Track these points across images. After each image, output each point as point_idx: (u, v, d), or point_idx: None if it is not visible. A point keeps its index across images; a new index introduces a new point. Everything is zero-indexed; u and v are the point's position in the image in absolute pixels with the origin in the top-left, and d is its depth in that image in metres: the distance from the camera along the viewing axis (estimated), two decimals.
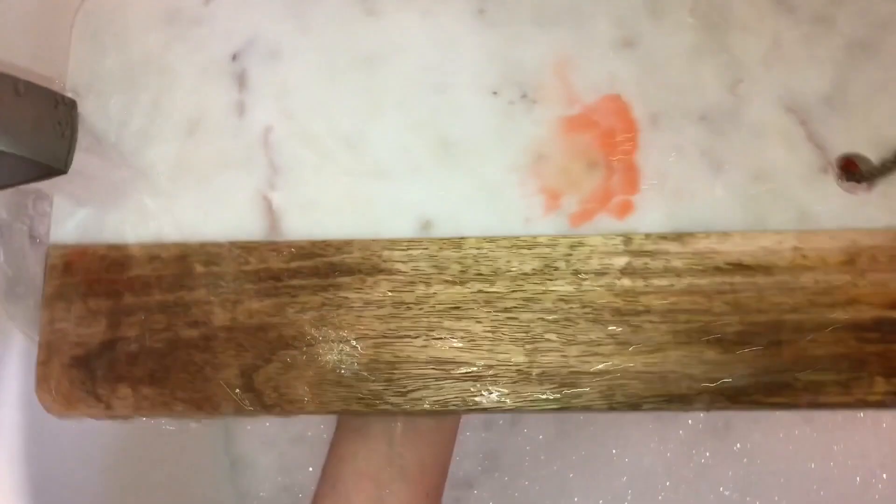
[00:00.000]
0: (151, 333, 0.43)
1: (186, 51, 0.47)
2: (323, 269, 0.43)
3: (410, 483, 0.45)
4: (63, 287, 0.44)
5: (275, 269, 0.44)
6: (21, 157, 0.36)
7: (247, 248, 0.44)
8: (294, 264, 0.44)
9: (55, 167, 0.38)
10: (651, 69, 0.44)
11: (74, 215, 0.45)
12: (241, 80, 0.46)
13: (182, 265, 0.44)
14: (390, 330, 0.43)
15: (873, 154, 0.42)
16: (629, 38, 0.45)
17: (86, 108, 0.46)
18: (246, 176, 0.45)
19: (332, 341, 0.43)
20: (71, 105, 0.40)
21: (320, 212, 0.44)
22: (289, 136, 0.45)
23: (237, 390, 0.42)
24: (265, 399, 0.42)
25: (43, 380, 0.43)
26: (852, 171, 0.43)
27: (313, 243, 0.44)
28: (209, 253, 0.44)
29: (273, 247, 0.44)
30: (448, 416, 0.47)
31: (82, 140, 0.40)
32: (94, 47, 0.47)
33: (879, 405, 0.40)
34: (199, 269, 0.44)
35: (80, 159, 0.39)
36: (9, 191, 0.40)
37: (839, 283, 0.41)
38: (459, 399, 0.42)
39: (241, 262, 0.44)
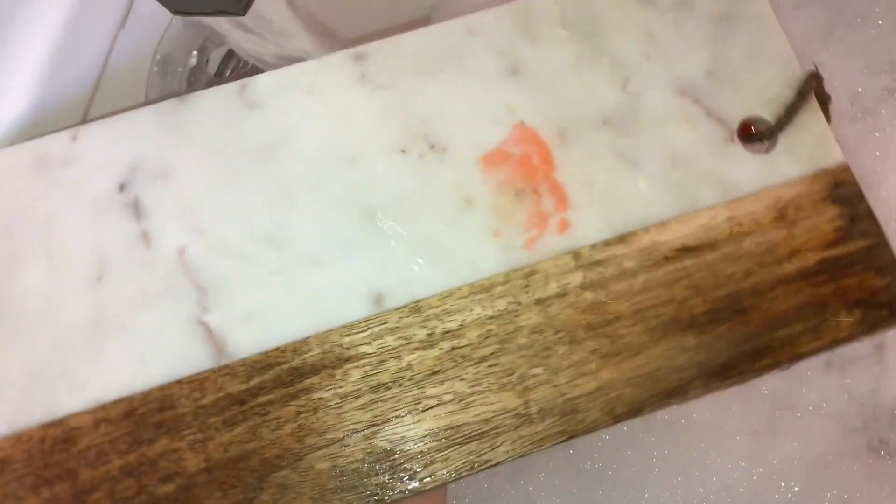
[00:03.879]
0: (123, 503, 0.39)
1: (66, 194, 0.43)
2: (286, 377, 0.41)
3: None
4: (7, 485, 0.39)
5: (235, 393, 0.41)
6: None
7: (198, 381, 0.41)
8: (254, 382, 0.41)
9: (235, 4, 0.38)
10: (543, 89, 0.45)
11: None
12: (137, 209, 0.43)
13: (133, 420, 0.40)
14: (376, 417, 0.41)
15: (767, 113, 0.45)
16: (514, 66, 0.45)
17: None
18: (173, 306, 0.42)
19: (321, 447, 0.40)
20: None
21: (264, 319, 0.42)
22: (205, 251, 0.42)
23: None
24: None
25: None
26: (752, 134, 0.45)
27: (267, 354, 0.41)
28: (158, 398, 0.40)
29: (226, 370, 0.41)
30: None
31: None
32: None
33: (849, 339, 0.42)
34: (153, 418, 0.40)
35: None
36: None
37: (778, 238, 0.43)
38: (467, 462, 0.40)
39: (196, 397, 0.40)
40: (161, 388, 0.41)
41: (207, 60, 0.53)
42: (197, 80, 0.53)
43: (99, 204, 0.43)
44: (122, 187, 0.43)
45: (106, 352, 0.41)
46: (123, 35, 0.46)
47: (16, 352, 0.41)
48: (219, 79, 0.57)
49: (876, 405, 0.65)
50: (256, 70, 0.47)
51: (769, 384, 0.65)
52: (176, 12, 0.41)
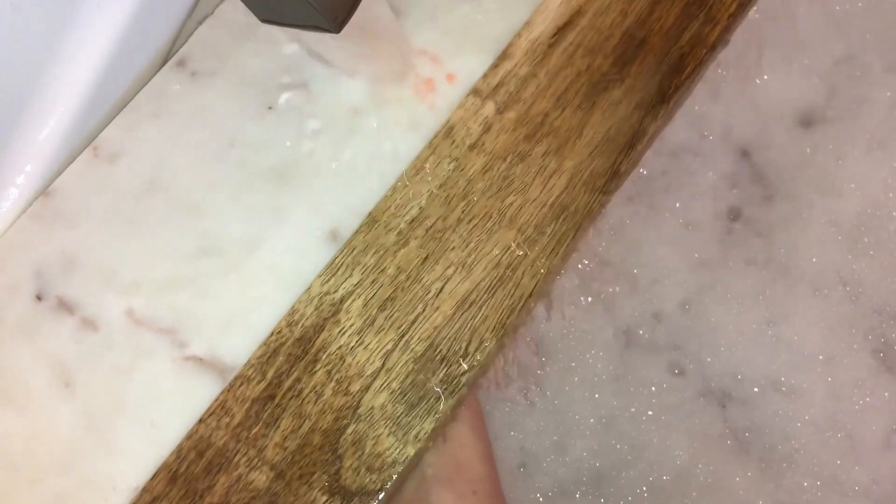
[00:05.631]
0: None
1: None
2: (296, 350, 0.38)
3: (447, 484, 0.40)
4: None
5: (259, 394, 0.38)
6: (306, 2, 0.35)
7: (218, 407, 0.38)
8: (271, 373, 0.38)
9: (330, 22, 0.37)
10: None
11: None
12: (65, 305, 0.40)
13: (181, 482, 0.37)
14: (399, 328, 0.38)
15: None
16: None
17: None
18: (153, 362, 0.39)
19: (369, 386, 0.37)
20: None
21: (244, 318, 0.39)
22: (150, 299, 0.40)
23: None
24: (364, 480, 0.36)
25: None
26: None
27: (266, 344, 0.39)
28: (192, 447, 0.37)
29: (239, 381, 0.38)
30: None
31: None
32: None
33: (741, 5, 0.43)
34: (198, 466, 0.37)
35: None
36: None
37: None
38: (505, 309, 0.38)
39: (227, 421, 0.37)
40: (188, 437, 0.37)
41: None
42: None
43: (25, 324, 0.40)
44: (38, 297, 0.40)
45: (116, 441, 0.38)
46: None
47: (33, 497, 0.37)
48: None
49: None
50: None
51: (815, 459, 0.59)
52: (264, 20, 0.39)
